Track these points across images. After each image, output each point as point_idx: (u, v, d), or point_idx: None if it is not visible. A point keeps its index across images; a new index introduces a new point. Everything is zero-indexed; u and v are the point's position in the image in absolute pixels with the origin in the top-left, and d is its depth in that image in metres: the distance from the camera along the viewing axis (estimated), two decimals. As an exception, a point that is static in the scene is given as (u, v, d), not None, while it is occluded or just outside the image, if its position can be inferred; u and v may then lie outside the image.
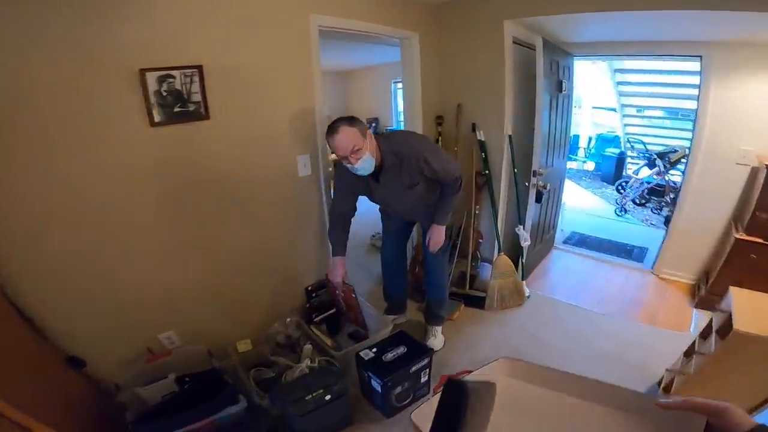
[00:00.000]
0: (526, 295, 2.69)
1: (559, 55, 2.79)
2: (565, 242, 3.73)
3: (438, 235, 1.91)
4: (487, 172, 2.58)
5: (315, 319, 2.07)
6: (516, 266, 2.66)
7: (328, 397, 1.58)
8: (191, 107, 1.52)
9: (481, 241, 2.78)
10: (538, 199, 2.64)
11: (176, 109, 1.49)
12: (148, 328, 1.72)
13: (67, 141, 1.33)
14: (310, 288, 2.16)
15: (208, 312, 1.88)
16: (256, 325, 2.04)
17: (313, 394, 1.56)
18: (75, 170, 1.37)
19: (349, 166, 1.59)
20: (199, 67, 1.50)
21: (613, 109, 6.27)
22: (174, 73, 1.45)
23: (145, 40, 1.39)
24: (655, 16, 2.06)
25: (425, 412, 0.56)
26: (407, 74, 2.54)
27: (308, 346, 1.84)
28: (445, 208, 1.87)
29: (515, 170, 2.59)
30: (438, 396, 0.53)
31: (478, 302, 2.61)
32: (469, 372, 0.64)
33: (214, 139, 1.62)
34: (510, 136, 2.51)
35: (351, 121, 1.56)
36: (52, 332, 1.50)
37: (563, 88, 2.86)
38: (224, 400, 1.50)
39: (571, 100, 3.37)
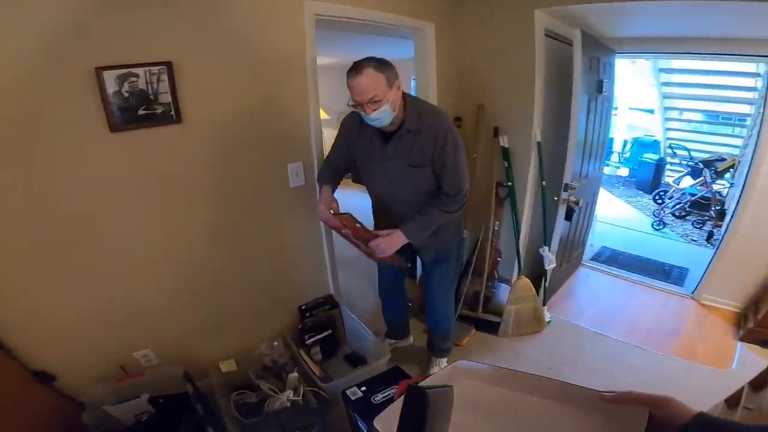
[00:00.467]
0: (547, 320, 2.41)
1: (601, 50, 2.44)
2: (593, 259, 3.38)
3: (389, 243, 1.49)
4: (509, 183, 2.29)
5: (307, 341, 1.88)
6: (537, 289, 2.38)
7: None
8: (159, 109, 1.32)
9: (499, 259, 2.50)
10: (568, 217, 2.32)
11: (141, 112, 1.29)
12: (121, 344, 1.57)
13: (15, 151, 1.16)
14: (304, 307, 1.96)
15: (189, 329, 1.72)
16: (243, 344, 1.87)
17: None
18: (30, 182, 1.21)
19: (362, 114, 1.35)
20: (168, 64, 1.29)
21: (651, 111, 5.77)
22: (137, 70, 1.25)
23: (102, 33, 1.19)
24: (719, 8, 1.71)
25: (387, 417, 0.58)
26: (421, 70, 2.27)
27: (293, 375, 1.65)
28: (424, 221, 1.49)
29: (543, 183, 2.28)
30: (400, 402, 0.54)
31: (491, 327, 2.35)
32: (426, 377, 0.67)
33: (187, 145, 1.42)
34: (539, 143, 2.21)
35: (380, 64, 1.31)
36: (15, 345, 1.38)
37: (603, 89, 2.51)
38: None
39: (611, 102, 3.00)
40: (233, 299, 1.79)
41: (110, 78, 1.22)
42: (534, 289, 2.35)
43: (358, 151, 1.58)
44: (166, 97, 1.32)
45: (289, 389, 1.62)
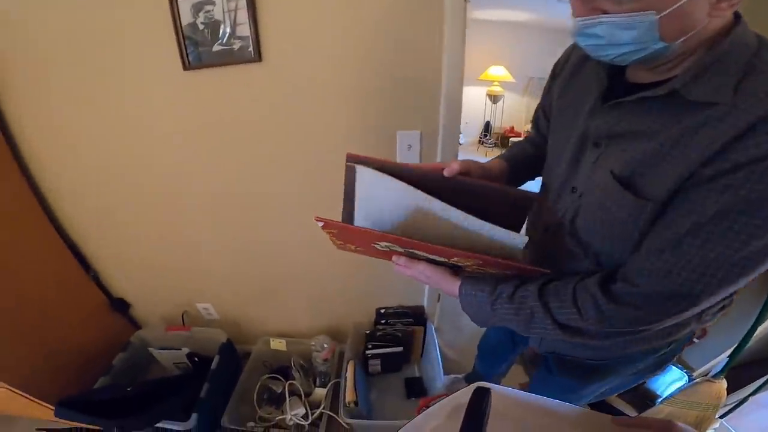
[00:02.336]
0: (710, 433, 1.47)
1: None
2: None
3: (426, 276, 0.72)
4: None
5: (367, 351, 1.58)
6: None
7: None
8: (236, 45, 1.08)
9: (696, 340, 1.58)
10: None
11: (216, 48, 1.08)
12: (188, 293, 1.63)
13: (90, 90, 1.16)
14: (383, 311, 1.61)
15: (252, 295, 1.65)
16: (303, 328, 1.73)
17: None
18: (105, 122, 1.21)
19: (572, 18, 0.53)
20: (249, -15, 1.02)
21: None
22: (214, -5, 1.03)
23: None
24: None
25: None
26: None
27: (321, 390, 1.40)
28: (506, 306, 0.65)
29: None
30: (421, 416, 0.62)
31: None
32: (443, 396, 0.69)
33: (267, 91, 1.14)
34: None
35: None
36: (101, 270, 1.57)
37: None
38: (169, 411, 1.29)
39: None
40: (303, 279, 1.59)
41: (185, 7, 1.02)
42: (724, 398, 1.42)
43: (555, 107, 0.76)
44: (245, 30, 1.06)
45: (300, 406, 1.38)
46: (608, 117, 0.59)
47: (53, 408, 1.21)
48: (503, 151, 0.99)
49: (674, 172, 0.50)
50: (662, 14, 0.45)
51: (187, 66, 1.10)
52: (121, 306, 1.62)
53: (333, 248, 0.93)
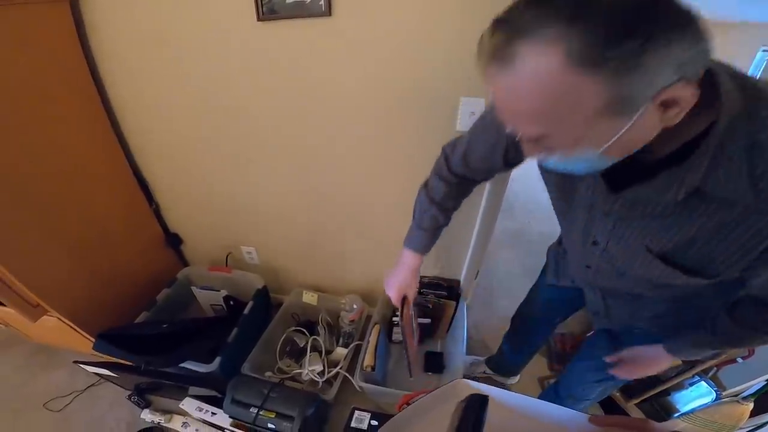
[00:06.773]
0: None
1: None
2: None
3: (648, 365, 0.85)
4: None
5: (394, 318, 1.61)
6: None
7: (271, 426, 1.21)
8: (308, -3, 1.09)
9: (740, 360, 1.52)
10: None
11: (289, 0, 1.10)
12: (235, 235, 1.71)
13: (166, 33, 1.21)
14: (418, 279, 1.61)
15: (294, 245, 1.69)
16: (337, 284, 1.78)
17: (261, 412, 1.21)
18: (183, 64, 1.27)
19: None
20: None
21: None
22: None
23: None
24: None
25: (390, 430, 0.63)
26: None
27: (341, 351, 1.45)
28: (712, 338, 0.71)
29: None
30: (402, 414, 0.62)
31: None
32: (427, 391, 0.66)
33: (333, 47, 1.14)
34: None
35: (600, 43, 0.35)
36: (161, 203, 1.67)
37: None
38: (196, 352, 1.34)
39: None
40: (347, 235, 1.60)
41: (265, -47, 1.03)
42: (744, 421, 1.40)
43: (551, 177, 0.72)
44: (318, -18, 1.07)
45: (318, 363, 1.42)
46: (619, 200, 0.58)
47: (93, 340, 1.26)
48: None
49: (733, 246, 0.51)
50: (602, 149, 0.44)
51: (260, 16, 1.12)
52: (175, 241, 1.72)
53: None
